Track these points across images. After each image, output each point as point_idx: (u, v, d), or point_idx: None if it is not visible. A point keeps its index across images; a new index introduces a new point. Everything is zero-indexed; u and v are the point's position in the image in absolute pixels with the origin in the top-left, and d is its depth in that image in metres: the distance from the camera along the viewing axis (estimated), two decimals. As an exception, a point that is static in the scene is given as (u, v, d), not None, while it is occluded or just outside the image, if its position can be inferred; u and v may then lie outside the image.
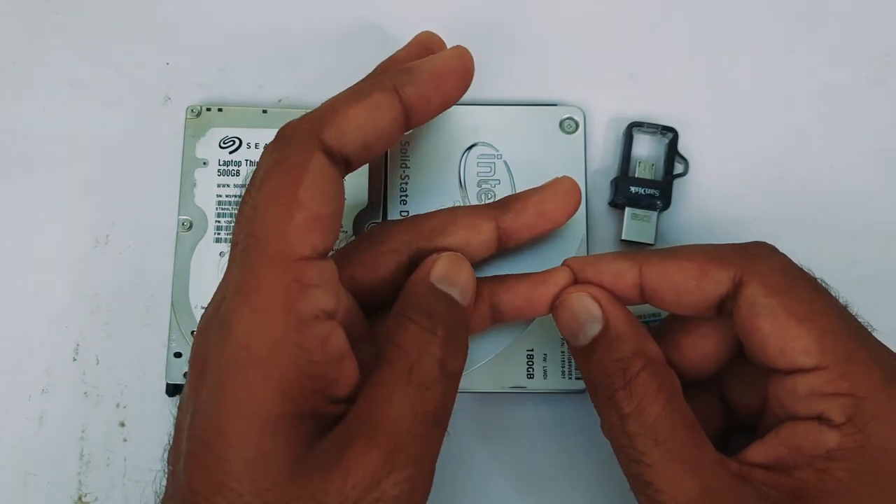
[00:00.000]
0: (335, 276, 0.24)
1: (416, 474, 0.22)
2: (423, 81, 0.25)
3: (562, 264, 0.27)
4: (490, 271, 0.32)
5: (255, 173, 0.23)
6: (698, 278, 0.24)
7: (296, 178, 0.22)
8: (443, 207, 0.29)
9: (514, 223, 0.28)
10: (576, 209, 0.28)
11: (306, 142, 0.23)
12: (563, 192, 0.28)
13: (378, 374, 0.23)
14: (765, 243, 0.25)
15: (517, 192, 0.30)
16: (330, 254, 0.25)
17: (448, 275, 0.25)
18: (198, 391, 0.22)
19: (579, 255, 0.28)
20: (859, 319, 0.24)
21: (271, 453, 0.21)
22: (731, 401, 0.28)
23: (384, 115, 0.24)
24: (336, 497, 0.21)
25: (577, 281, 0.27)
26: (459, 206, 0.29)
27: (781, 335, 0.23)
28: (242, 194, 0.23)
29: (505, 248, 0.29)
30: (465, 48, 0.26)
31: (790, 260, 0.25)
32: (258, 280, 0.22)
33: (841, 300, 0.24)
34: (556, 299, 0.27)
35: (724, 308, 0.25)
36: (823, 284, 0.25)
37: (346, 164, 0.24)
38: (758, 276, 0.24)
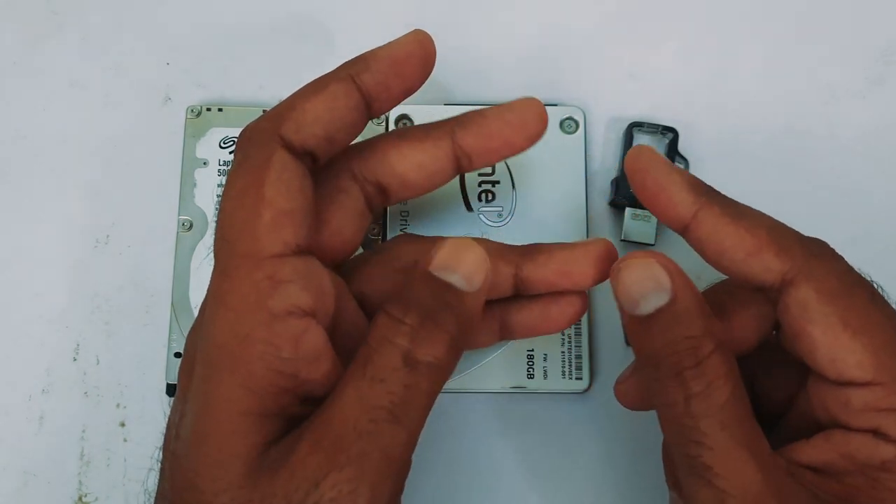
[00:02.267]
0: (316, 273, 0.23)
1: (358, 474, 0.21)
2: (379, 68, 0.24)
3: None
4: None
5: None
6: (749, 254, 0.23)
7: (259, 177, 0.22)
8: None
9: (533, 273, 0.26)
10: (604, 277, 0.26)
11: (266, 140, 0.23)
12: (596, 256, 0.26)
13: (344, 373, 0.23)
14: (826, 244, 0.24)
15: (541, 242, 0.27)
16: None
17: (448, 262, 0.24)
18: (185, 392, 0.23)
19: (651, 155, 0.25)
20: None
21: (231, 452, 0.21)
22: (755, 387, 0.27)
23: (342, 105, 0.24)
24: (281, 500, 0.21)
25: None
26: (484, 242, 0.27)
27: (834, 345, 0.22)
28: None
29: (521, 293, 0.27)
30: (424, 32, 0.25)
31: (849, 265, 0.23)
32: (230, 281, 0.22)
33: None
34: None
35: (766, 292, 0.24)
36: (881, 291, 0.24)
37: (311, 158, 0.24)
38: (814, 279, 0.22)
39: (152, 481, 0.24)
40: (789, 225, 0.24)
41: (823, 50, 0.36)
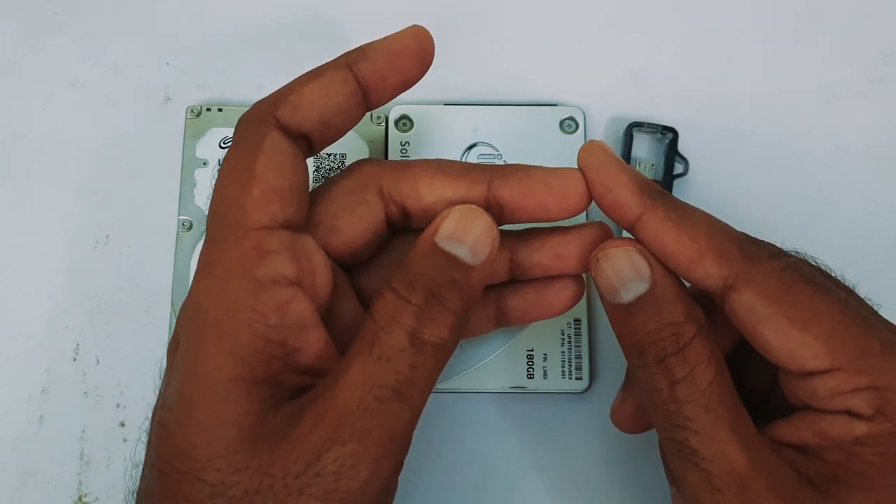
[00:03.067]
0: (305, 248, 0.24)
1: (361, 449, 0.21)
2: (377, 58, 0.25)
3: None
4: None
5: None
6: (690, 261, 0.24)
7: (252, 156, 0.23)
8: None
9: (528, 258, 0.26)
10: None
11: (262, 121, 0.24)
12: (590, 239, 0.26)
13: (348, 350, 0.23)
14: (770, 245, 0.24)
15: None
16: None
17: (456, 231, 0.23)
18: (172, 361, 0.23)
19: (603, 152, 0.25)
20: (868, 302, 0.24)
21: (225, 419, 0.21)
22: (739, 374, 0.27)
23: (338, 92, 0.24)
24: (280, 470, 0.21)
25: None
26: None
27: (787, 342, 0.23)
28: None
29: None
30: (422, 27, 0.26)
31: (791, 261, 0.24)
32: (218, 250, 0.23)
33: (846, 283, 0.24)
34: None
35: (712, 296, 0.24)
36: (826, 271, 0.24)
37: (307, 143, 0.25)
38: (754, 283, 0.23)
39: (140, 453, 0.24)
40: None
41: (823, 50, 0.36)
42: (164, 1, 0.36)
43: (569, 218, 0.26)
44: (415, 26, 0.25)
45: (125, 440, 0.32)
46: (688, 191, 0.34)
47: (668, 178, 0.33)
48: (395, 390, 0.22)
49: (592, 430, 0.32)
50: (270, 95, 0.24)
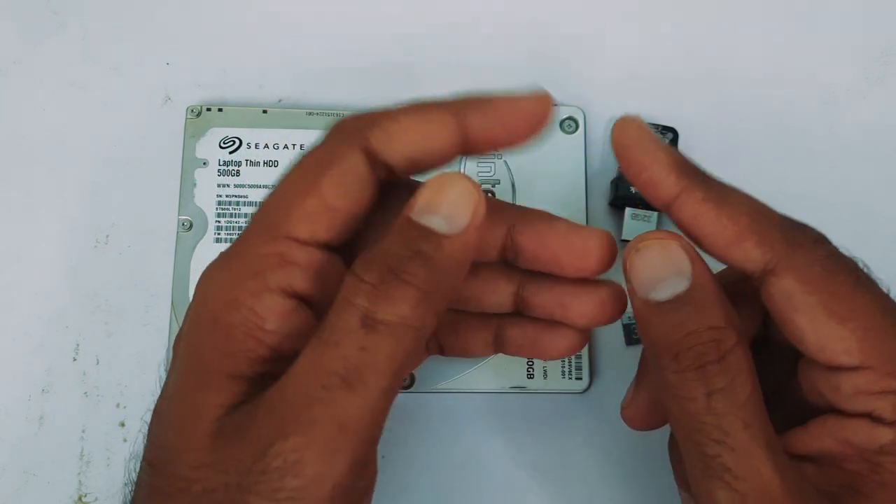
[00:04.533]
0: (335, 272, 0.23)
1: (306, 444, 0.20)
2: (491, 115, 0.23)
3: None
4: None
5: None
6: (730, 245, 0.22)
7: (325, 166, 0.22)
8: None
9: (533, 296, 0.25)
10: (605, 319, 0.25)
11: (350, 136, 0.22)
12: (602, 299, 0.25)
13: None
14: (811, 228, 0.23)
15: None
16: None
17: (430, 202, 0.22)
18: (176, 349, 0.23)
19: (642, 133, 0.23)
20: None
21: (201, 412, 0.21)
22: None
23: (438, 136, 0.23)
24: (231, 466, 0.20)
25: None
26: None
27: (821, 333, 0.22)
28: None
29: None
30: (547, 94, 0.23)
31: (832, 249, 0.23)
32: (244, 245, 0.22)
33: (884, 288, 0.23)
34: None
35: (750, 279, 0.23)
36: (867, 271, 0.23)
37: (387, 172, 0.23)
38: (794, 270, 0.22)
39: (140, 445, 0.23)
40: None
41: (823, 50, 0.36)
42: (164, 1, 0.36)
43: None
44: (540, 92, 0.23)
45: (125, 440, 0.32)
46: (688, 191, 0.34)
47: (668, 178, 0.33)
48: (342, 378, 0.20)
49: (592, 431, 0.32)
50: (370, 113, 0.23)
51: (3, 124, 0.35)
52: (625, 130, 0.23)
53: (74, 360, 0.33)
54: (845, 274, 0.22)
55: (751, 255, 0.22)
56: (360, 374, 0.20)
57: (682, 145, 0.34)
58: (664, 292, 0.22)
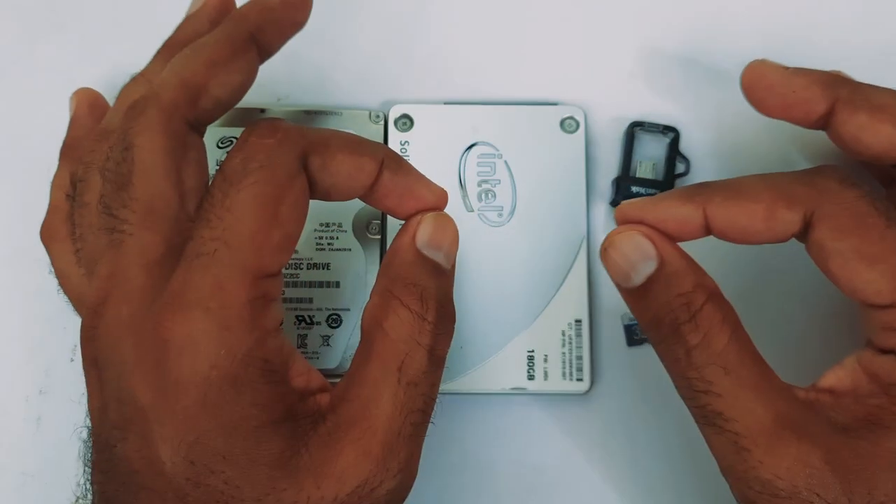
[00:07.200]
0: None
1: (407, 476, 0.23)
2: (400, 174, 0.25)
3: (615, 211, 0.26)
4: (488, 275, 0.32)
5: (230, 159, 0.23)
6: (767, 220, 0.24)
7: (280, 194, 0.22)
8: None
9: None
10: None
11: (293, 159, 0.23)
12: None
13: (367, 369, 0.23)
14: (832, 169, 0.24)
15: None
16: None
17: (434, 237, 0.24)
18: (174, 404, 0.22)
19: (630, 201, 0.26)
20: None
21: (260, 461, 0.21)
22: None
23: (363, 176, 0.24)
24: (331, 502, 0.21)
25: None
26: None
27: (853, 277, 0.23)
28: (213, 175, 0.23)
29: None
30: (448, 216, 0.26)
31: (860, 192, 0.24)
32: (227, 295, 0.21)
33: None
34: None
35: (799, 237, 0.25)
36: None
37: (323, 194, 0.24)
38: (825, 219, 0.23)
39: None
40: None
41: (823, 50, 0.36)
42: (164, 1, 0.36)
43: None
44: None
45: (123, 441, 0.32)
46: (689, 191, 0.34)
47: (669, 178, 0.33)
48: (423, 412, 0.23)
49: (593, 432, 0.32)
50: (306, 134, 0.23)
51: (2, 124, 0.35)
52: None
53: (72, 360, 0.33)
54: (874, 216, 0.23)
55: (787, 218, 0.24)
56: (432, 404, 0.24)
57: (684, 145, 0.34)
58: (638, 277, 0.24)
